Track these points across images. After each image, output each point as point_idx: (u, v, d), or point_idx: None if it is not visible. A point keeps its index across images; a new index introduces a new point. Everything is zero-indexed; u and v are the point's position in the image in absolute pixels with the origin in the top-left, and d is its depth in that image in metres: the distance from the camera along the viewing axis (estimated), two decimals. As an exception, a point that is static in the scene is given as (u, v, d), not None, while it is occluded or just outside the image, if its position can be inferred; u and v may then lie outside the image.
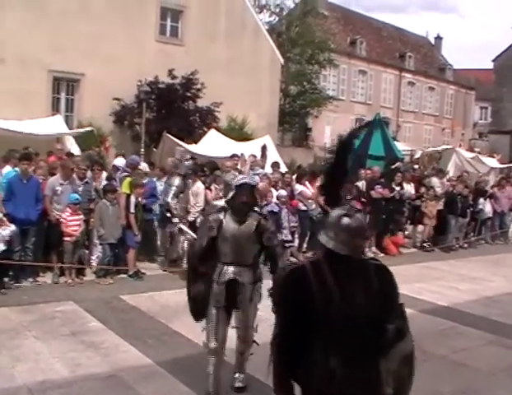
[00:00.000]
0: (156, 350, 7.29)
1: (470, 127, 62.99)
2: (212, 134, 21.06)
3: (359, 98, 50.71)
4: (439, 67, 60.06)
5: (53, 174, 11.32)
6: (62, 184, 10.81)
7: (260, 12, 38.33)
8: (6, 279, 9.86)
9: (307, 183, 14.30)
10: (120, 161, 15.37)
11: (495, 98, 53.94)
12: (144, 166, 13.11)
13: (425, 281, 12.20)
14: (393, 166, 17.28)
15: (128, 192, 11.28)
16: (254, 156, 15.87)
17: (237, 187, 5.75)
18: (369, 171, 15.82)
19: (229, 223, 5.69)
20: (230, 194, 5.84)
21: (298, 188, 14.00)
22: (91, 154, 15.58)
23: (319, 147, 38.34)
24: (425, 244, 16.63)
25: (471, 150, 32.50)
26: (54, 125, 17.47)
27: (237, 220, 5.70)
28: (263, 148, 17.72)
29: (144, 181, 12.32)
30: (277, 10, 40.89)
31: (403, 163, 19.54)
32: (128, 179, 11.56)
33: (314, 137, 43.09)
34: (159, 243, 13.06)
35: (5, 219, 9.71)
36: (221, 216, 5.74)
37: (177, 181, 11.51)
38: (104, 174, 12.82)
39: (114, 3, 24.63)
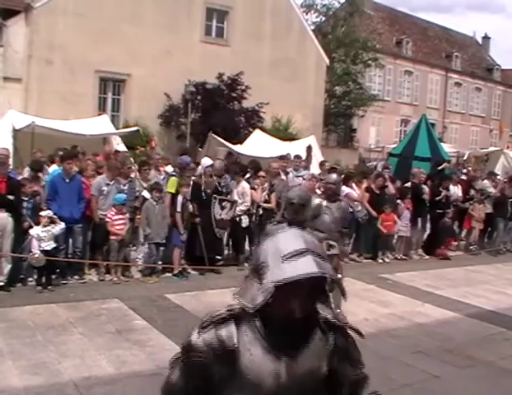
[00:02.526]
0: (201, 349, 7.26)
1: (518, 128, 61.79)
2: (257, 134, 21.11)
3: (405, 99, 50.14)
4: (486, 68, 59.10)
5: (99, 174, 11.42)
6: (108, 184, 10.86)
7: (307, 12, 38.29)
8: (53, 276, 10.00)
9: (353, 184, 14.18)
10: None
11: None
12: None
13: (471, 285, 12.00)
14: (440, 168, 17.05)
15: (171, 191, 11.30)
16: (299, 157, 15.66)
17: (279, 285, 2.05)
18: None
19: (258, 354, 2.18)
20: (259, 295, 2.09)
21: (344, 189, 13.85)
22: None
23: (364, 148, 38.15)
24: (471, 247, 16.33)
25: (519, 151, 31.85)
26: (101, 125, 17.70)
27: (279, 349, 2.18)
28: (308, 148, 17.65)
29: None
30: (324, 10, 40.76)
31: (449, 164, 19.25)
32: (173, 179, 11.59)
33: (359, 138, 42.89)
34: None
35: (56, 217, 9.80)
36: (234, 336, 2.18)
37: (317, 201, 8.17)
38: (152, 173, 12.85)
39: (160, 4, 24.87)
